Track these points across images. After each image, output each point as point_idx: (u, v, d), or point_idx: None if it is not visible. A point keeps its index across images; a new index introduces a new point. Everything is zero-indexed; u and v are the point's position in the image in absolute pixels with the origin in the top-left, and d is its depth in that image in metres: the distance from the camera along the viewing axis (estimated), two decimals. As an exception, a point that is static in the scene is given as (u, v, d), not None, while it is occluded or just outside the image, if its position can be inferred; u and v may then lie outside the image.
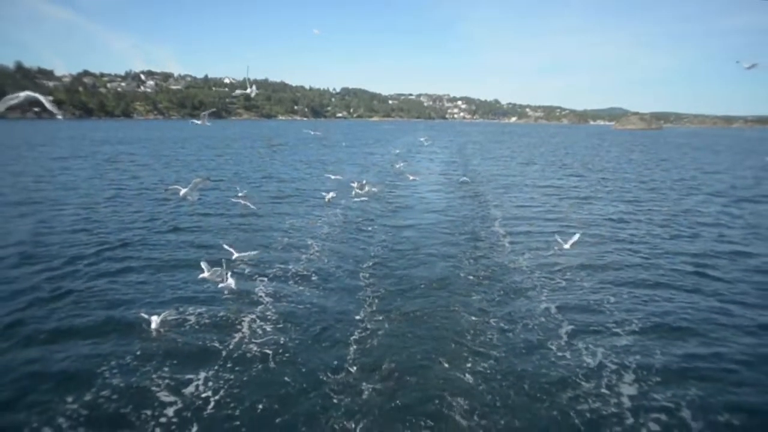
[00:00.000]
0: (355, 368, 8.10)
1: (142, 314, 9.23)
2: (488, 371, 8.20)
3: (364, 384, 7.65)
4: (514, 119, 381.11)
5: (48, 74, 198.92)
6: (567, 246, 14.16)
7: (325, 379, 7.78)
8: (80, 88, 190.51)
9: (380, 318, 10.17)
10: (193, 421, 6.63)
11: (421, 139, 62.22)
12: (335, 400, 7.23)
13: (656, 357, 8.75)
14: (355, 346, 8.88)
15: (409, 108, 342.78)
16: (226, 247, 12.61)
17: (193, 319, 9.74)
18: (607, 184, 32.45)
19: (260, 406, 6.99)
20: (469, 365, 8.37)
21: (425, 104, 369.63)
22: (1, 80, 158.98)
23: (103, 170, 33.72)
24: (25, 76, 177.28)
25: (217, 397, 7.13)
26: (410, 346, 8.97)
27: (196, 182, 12.78)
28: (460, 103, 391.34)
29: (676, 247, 16.18)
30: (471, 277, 12.91)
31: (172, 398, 7.07)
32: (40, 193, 24.06)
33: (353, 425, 6.71)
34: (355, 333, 9.42)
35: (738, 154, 64.55)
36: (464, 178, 31.65)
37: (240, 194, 20.13)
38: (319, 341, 9.05)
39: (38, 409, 6.85)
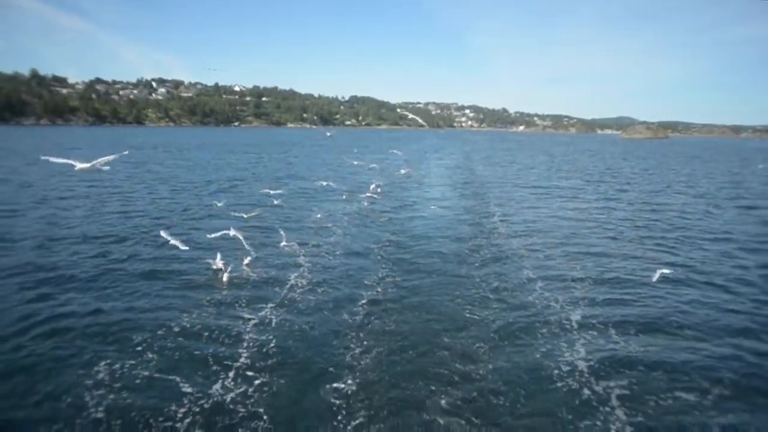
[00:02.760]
0: (364, 320, 10.19)
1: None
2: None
3: (371, 327, 9.85)
4: (521, 128, 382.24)
5: (62, 82, 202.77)
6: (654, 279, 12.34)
7: (346, 319, 10.14)
8: (93, 96, 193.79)
9: (390, 285, 12.27)
10: (267, 332, 9.37)
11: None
12: (350, 336, 9.36)
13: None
14: (366, 306, 10.90)
15: (416, 116, 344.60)
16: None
17: (254, 272, 12.72)
18: (590, 184, 34.79)
19: (306, 329, 9.55)
20: (463, 331, 9.72)
21: (433, 112, 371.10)
22: (18, 87, 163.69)
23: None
24: (40, 84, 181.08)
25: (278, 319, 9.95)
26: (408, 307, 10.93)
27: None
28: (467, 111, 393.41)
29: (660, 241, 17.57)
30: (469, 256, 14.94)
31: (252, 316, 10.05)
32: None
33: (360, 357, 8.50)
34: (368, 294, 11.59)
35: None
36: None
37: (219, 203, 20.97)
38: (342, 296, 11.36)
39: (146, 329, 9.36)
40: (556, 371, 8.11)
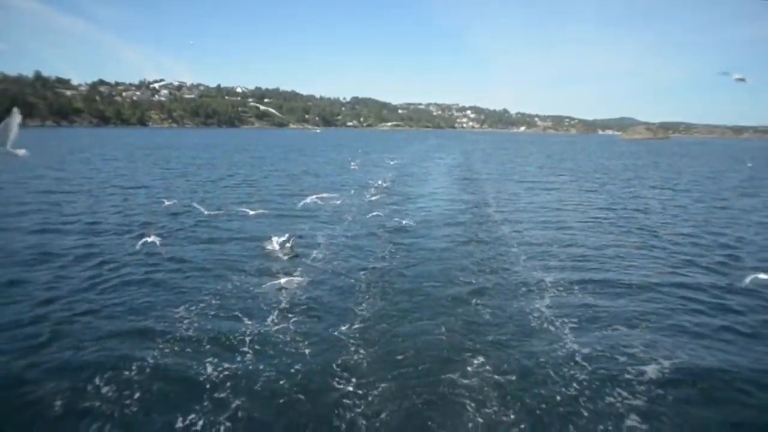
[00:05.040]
0: (372, 281, 12.33)
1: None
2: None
3: (377, 286, 12.03)
4: (522, 128, 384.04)
5: (65, 83, 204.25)
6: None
7: (358, 280, 12.33)
8: (97, 97, 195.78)
9: (394, 258, 14.39)
10: (298, 288, 11.29)
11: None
12: (359, 294, 11.46)
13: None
14: (374, 271, 13.07)
15: (418, 117, 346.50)
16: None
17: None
18: (578, 180, 37.20)
19: (326, 289, 11.73)
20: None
21: (434, 114, 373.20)
22: (23, 89, 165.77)
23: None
24: (44, 86, 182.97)
25: (305, 280, 11.68)
26: (409, 274, 12.99)
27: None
28: (469, 112, 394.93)
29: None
30: (465, 236, 17.42)
31: (284, 277, 11.31)
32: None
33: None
34: (376, 263, 13.81)
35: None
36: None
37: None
38: (354, 265, 13.63)
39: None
40: (529, 314, 10.45)
